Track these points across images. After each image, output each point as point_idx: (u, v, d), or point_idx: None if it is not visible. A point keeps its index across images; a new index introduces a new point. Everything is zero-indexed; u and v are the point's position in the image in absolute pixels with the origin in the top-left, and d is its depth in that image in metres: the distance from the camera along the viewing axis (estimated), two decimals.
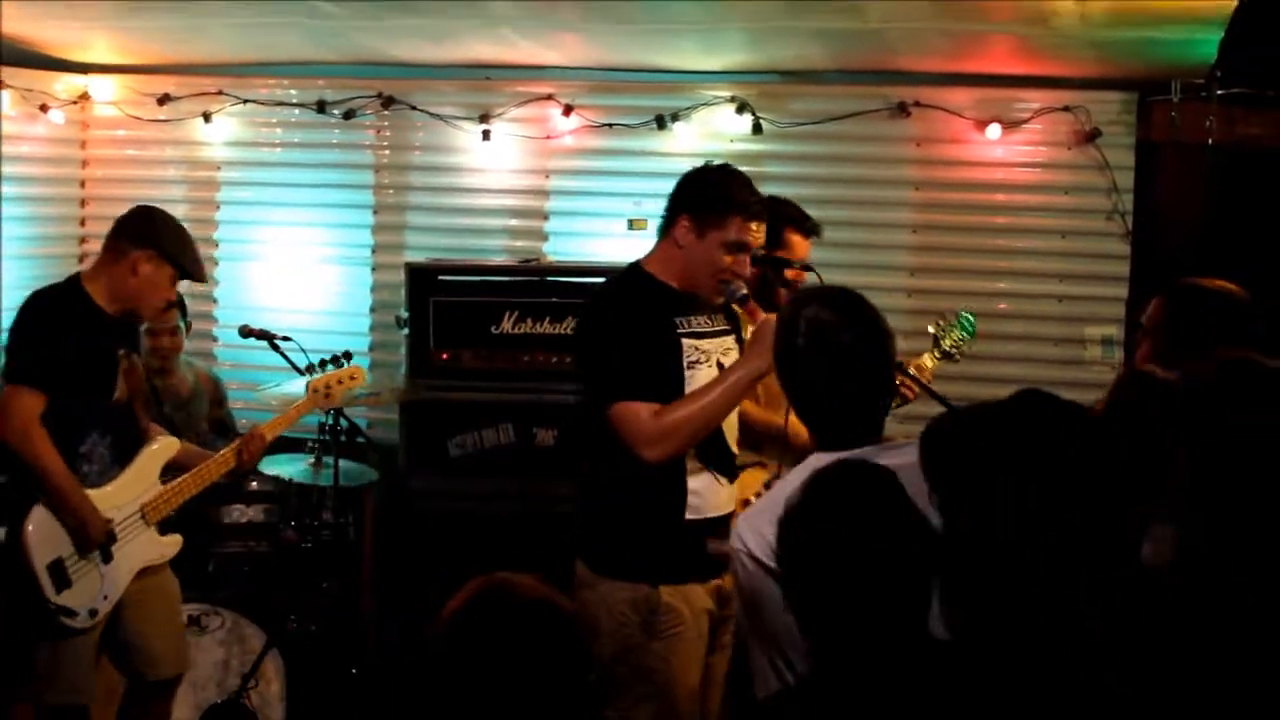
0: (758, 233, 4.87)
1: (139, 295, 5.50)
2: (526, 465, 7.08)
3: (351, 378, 6.23)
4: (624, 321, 4.85)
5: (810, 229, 5.84)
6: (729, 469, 4.98)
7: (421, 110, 8.15)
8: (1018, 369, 7.44)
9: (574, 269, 7.36)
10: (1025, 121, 7.52)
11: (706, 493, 4.85)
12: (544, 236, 7.99)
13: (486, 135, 8.02)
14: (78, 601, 5.39)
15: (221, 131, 8.47)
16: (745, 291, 4.88)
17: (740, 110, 7.70)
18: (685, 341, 4.84)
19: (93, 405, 5.46)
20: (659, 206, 7.81)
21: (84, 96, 8.57)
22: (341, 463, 6.73)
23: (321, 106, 8.23)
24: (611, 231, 7.78)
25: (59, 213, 8.60)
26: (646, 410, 4.63)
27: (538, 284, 7.24)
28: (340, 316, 8.29)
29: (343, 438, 6.71)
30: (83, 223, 8.60)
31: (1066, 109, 7.44)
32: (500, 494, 7.05)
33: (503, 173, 8.15)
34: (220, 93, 8.38)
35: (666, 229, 4.95)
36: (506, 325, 7.14)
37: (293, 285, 8.39)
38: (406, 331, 7.33)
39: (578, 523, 4.99)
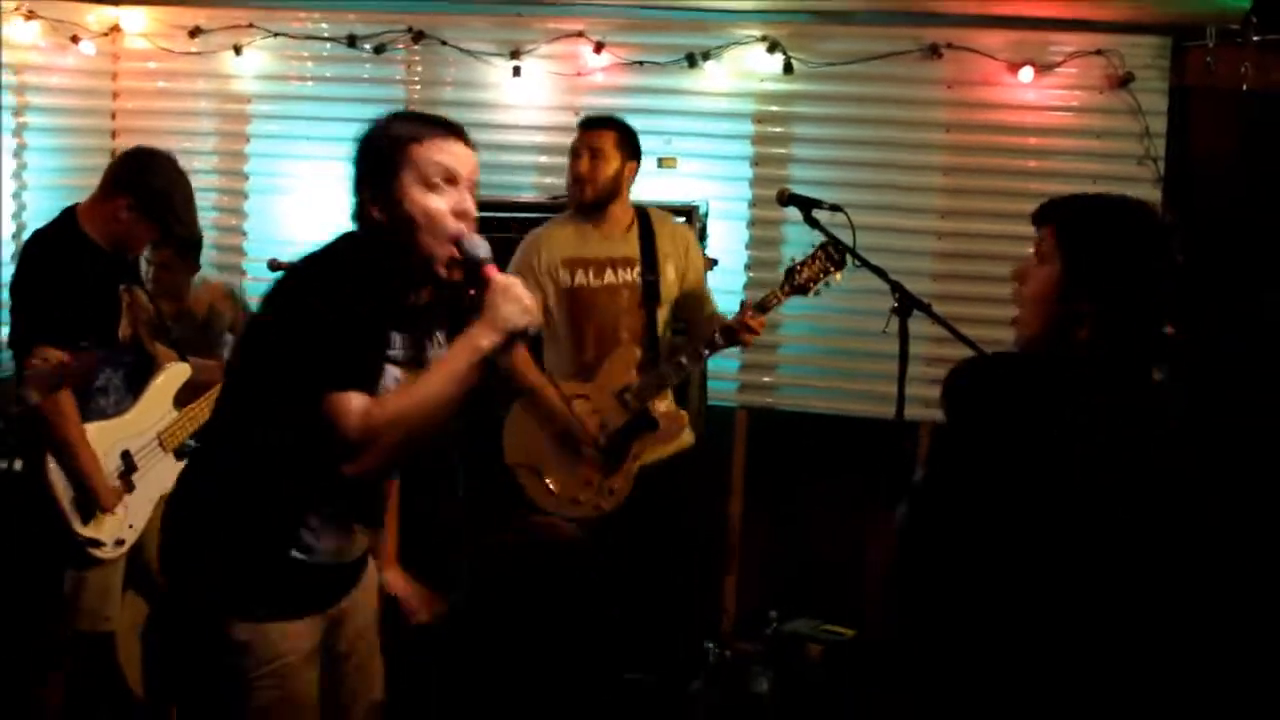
0: (463, 153, 3.85)
1: (121, 239, 5.48)
2: None
3: None
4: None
5: None
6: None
7: (452, 46, 8.13)
8: None
9: None
10: (1058, 65, 7.47)
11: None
12: None
13: (517, 71, 7.99)
14: (104, 532, 5.44)
15: (252, 65, 8.45)
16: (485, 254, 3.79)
17: (771, 50, 7.66)
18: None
19: (101, 344, 5.47)
20: (689, 146, 7.85)
21: (115, 28, 8.53)
22: None
23: (352, 41, 8.20)
24: (641, 170, 7.76)
25: (89, 144, 8.60)
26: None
27: None
28: None
29: None
30: (113, 155, 8.55)
31: (1100, 53, 7.39)
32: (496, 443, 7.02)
33: (533, 109, 8.12)
34: (251, 26, 8.35)
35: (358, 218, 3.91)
36: None
37: (322, 219, 8.38)
38: None
39: None
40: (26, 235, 7.54)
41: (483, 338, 3.60)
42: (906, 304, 4.89)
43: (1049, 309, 3.36)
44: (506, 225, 6.76)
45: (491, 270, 3.72)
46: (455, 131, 3.85)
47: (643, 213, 6.43)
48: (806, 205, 5.62)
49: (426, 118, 3.88)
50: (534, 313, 3.68)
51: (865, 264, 5.14)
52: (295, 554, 3.85)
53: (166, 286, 6.96)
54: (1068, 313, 3.31)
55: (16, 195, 8.09)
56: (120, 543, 5.47)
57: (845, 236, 5.33)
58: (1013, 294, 3.54)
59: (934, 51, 7.54)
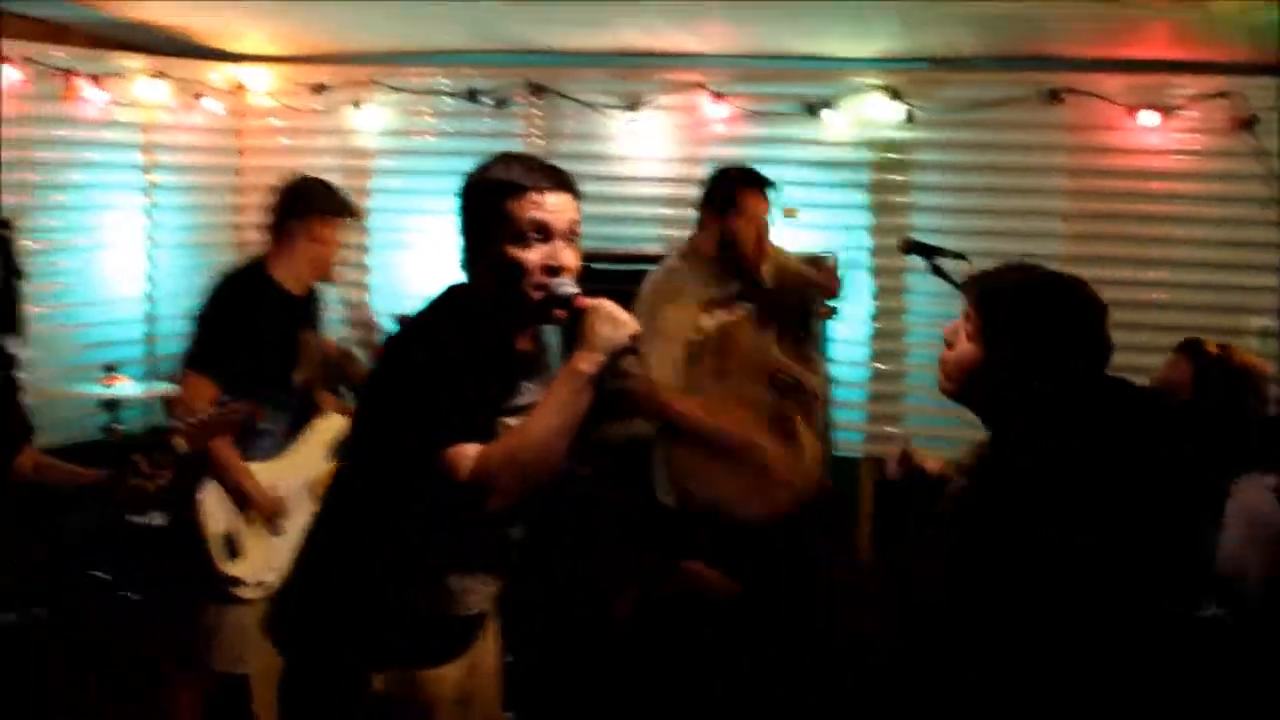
0: (557, 205, 3.71)
1: (326, 259, 5.67)
2: None
3: None
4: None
5: None
6: None
7: (571, 98, 8.20)
8: None
9: None
10: (1179, 108, 7.44)
11: None
12: None
13: (637, 123, 8.05)
14: (247, 572, 5.51)
15: (374, 120, 8.58)
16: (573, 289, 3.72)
17: (893, 97, 7.67)
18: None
19: (277, 387, 5.58)
20: (813, 195, 7.84)
21: (239, 86, 8.71)
22: None
23: (473, 95, 8.31)
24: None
25: (215, 201, 8.74)
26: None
27: None
28: None
29: None
30: (238, 211, 8.72)
31: (1222, 95, 7.35)
32: (648, 483, 7.01)
33: (654, 161, 8.19)
34: (373, 82, 8.48)
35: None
36: None
37: (446, 274, 8.43)
38: None
39: None
40: (158, 291, 7.72)
41: (582, 361, 3.62)
42: None
43: (969, 380, 3.41)
44: (633, 278, 6.79)
45: (581, 300, 3.70)
46: (555, 182, 3.74)
47: None
48: (929, 253, 5.60)
49: (528, 164, 3.79)
50: (630, 325, 3.66)
51: None
52: (436, 608, 3.86)
53: None
54: (987, 387, 3.38)
55: (150, 254, 8.24)
56: (262, 584, 5.53)
57: None
58: (943, 336, 3.53)
59: (1054, 96, 7.52)
